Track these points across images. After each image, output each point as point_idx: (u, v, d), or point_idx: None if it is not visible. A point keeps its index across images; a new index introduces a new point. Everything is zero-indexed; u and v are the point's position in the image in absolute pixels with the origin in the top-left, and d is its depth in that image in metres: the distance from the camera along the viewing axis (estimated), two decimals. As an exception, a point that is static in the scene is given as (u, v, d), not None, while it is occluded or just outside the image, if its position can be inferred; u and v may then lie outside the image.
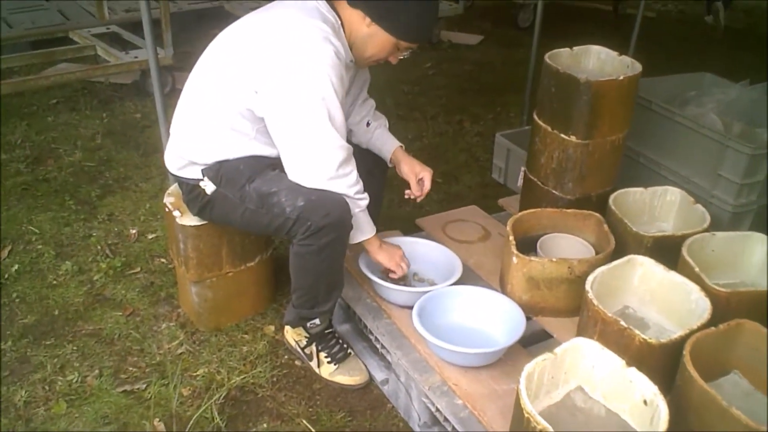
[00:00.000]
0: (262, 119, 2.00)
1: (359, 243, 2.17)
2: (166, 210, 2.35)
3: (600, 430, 1.76)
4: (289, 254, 2.08)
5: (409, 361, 2.05)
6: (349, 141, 2.40)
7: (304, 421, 2.09)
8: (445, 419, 1.90)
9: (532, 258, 2.16)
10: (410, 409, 2.07)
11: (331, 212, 1.96)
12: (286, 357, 2.34)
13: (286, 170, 2.02)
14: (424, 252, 2.40)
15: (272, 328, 2.44)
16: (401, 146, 2.42)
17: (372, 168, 2.37)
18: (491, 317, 2.13)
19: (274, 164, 2.09)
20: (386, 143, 2.40)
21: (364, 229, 2.15)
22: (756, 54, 5.44)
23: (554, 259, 2.16)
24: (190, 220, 2.28)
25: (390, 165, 2.43)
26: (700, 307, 1.97)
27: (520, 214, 2.38)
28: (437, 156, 3.70)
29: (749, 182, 2.52)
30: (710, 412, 1.67)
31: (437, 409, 1.93)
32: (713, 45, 5.84)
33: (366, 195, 2.10)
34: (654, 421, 1.63)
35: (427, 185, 2.38)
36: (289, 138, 1.97)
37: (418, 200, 2.41)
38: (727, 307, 2.02)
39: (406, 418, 2.12)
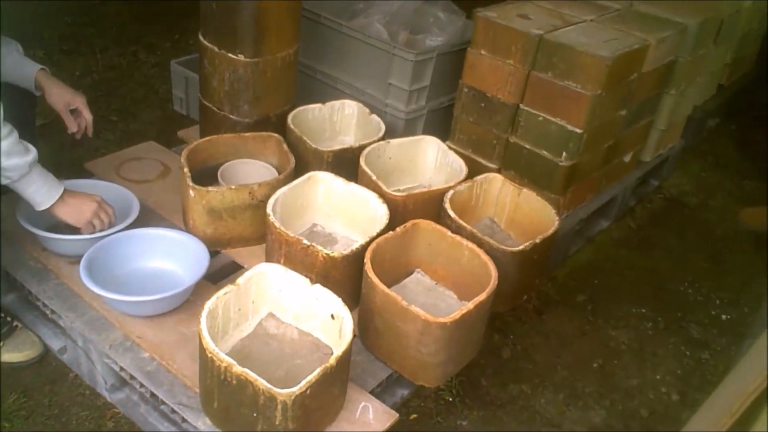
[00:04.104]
0: None
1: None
2: None
3: (293, 352, 1.72)
4: None
5: (84, 322, 1.82)
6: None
7: (-35, 415, 1.77)
8: (132, 377, 1.72)
9: (210, 188, 2.01)
10: (94, 373, 1.85)
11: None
12: (-64, 345, 1.96)
13: None
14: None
15: None
16: (44, 69, 2.04)
17: (16, 105, 1.96)
18: (174, 258, 1.96)
19: None
20: (25, 66, 2.01)
21: (48, 192, 1.78)
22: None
23: (233, 187, 2.03)
24: None
25: (38, 93, 2.06)
26: (379, 213, 2.00)
27: (195, 143, 2.21)
28: (110, 92, 3.34)
29: (417, 88, 2.61)
30: (393, 313, 1.70)
31: (122, 368, 1.74)
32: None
33: (30, 148, 1.71)
34: (342, 332, 1.62)
35: (87, 115, 2.08)
36: None
37: (78, 136, 2.10)
38: (405, 210, 2.08)
39: (92, 384, 1.90)
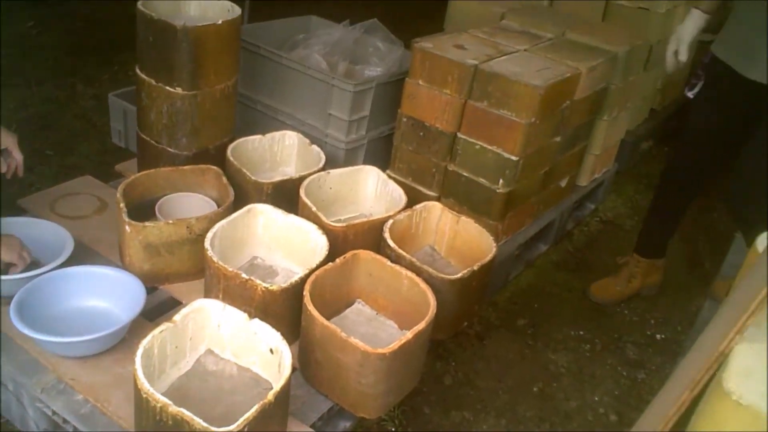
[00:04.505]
0: None
1: None
2: None
3: (232, 388, 1.70)
4: None
5: (15, 366, 1.76)
6: None
7: None
8: (65, 421, 1.68)
9: (146, 224, 1.99)
10: (26, 418, 1.80)
11: None
12: None
13: None
14: (27, 234, 2.07)
15: None
16: None
17: None
18: (109, 296, 1.92)
19: None
20: None
21: None
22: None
23: (171, 221, 2.02)
24: None
25: None
26: (319, 245, 2.00)
27: (132, 177, 2.18)
28: (47, 126, 3.28)
29: (356, 118, 2.63)
30: (333, 345, 1.70)
31: (54, 412, 1.69)
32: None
33: None
34: (281, 366, 1.61)
35: (17, 155, 2.04)
36: None
37: (8, 176, 2.06)
38: (345, 240, 2.09)
39: (23, 430, 1.84)
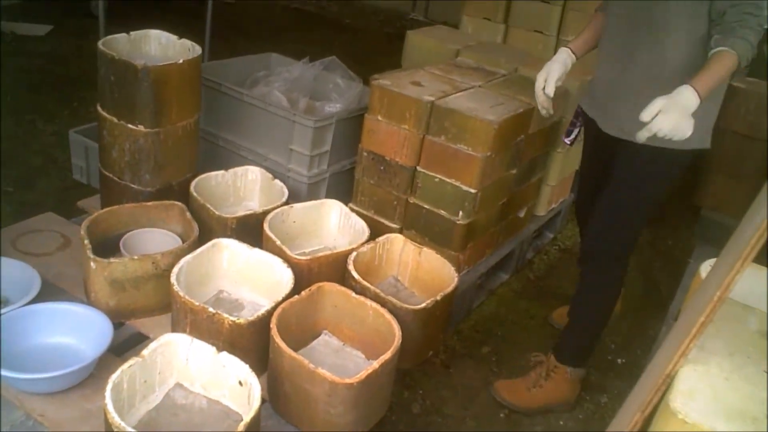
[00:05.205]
0: None
1: None
2: None
3: (203, 421, 1.72)
4: None
5: (-19, 405, 1.76)
6: None
7: None
8: (32, 459, 1.67)
9: (112, 260, 2.00)
10: (-9, 458, 1.78)
11: None
12: None
13: None
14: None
15: None
16: None
17: None
18: (76, 332, 1.92)
19: None
20: None
21: None
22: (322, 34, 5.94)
23: (136, 257, 2.03)
24: None
25: None
26: (285, 278, 2.03)
27: (95, 214, 2.20)
28: (7, 162, 3.25)
29: (318, 153, 2.69)
30: (301, 377, 1.73)
31: (21, 451, 1.69)
32: (286, 26, 6.20)
33: None
34: (250, 399, 1.63)
35: None
36: None
37: None
38: (310, 273, 2.13)
39: (-12, 470, 1.82)
